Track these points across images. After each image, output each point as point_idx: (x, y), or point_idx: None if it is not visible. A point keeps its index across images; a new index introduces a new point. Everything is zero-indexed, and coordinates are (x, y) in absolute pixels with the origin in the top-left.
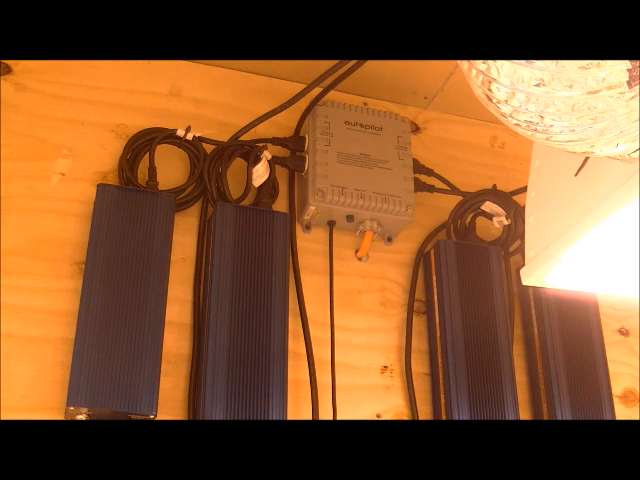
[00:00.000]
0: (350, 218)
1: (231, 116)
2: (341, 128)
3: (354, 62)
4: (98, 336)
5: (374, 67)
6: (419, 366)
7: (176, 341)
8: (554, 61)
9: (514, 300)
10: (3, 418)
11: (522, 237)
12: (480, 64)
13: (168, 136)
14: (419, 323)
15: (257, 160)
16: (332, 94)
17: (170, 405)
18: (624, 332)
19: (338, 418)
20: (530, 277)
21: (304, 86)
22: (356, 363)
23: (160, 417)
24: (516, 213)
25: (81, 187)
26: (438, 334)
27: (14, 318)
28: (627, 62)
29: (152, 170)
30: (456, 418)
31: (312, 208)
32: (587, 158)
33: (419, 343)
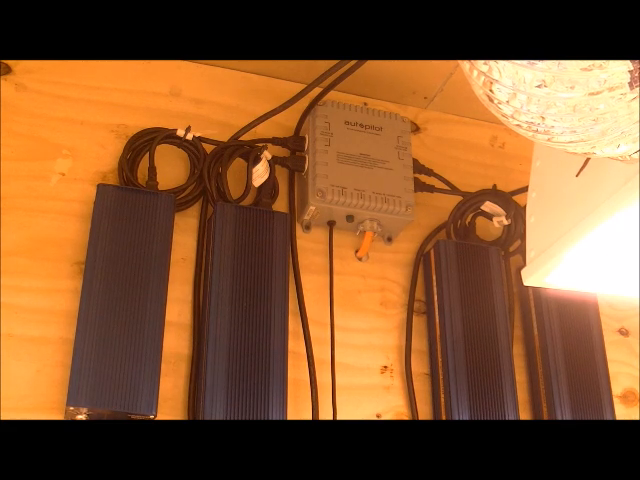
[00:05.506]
0: (350, 218)
1: (231, 116)
2: (341, 128)
3: (354, 62)
4: (98, 336)
5: (374, 67)
6: (419, 366)
7: (176, 341)
8: (556, 62)
9: (514, 300)
10: (3, 418)
11: (522, 237)
12: (482, 65)
13: (168, 136)
14: (419, 323)
15: (257, 160)
16: (332, 94)
17: (170, 405)
18: (624, 332)
19: (338, 418)
20: (531, 277)
21: (304, 86)
22: (356, 363)
23: (160, 417)
24: (516, 213)
25: (81, 187)
26: (438, 334)
27: (14, 318)
28: (629, 63)
29: (152, 170)
30: (456, 418)
31: (312, 208)
32: (588, 159)
33: (419, 343)
